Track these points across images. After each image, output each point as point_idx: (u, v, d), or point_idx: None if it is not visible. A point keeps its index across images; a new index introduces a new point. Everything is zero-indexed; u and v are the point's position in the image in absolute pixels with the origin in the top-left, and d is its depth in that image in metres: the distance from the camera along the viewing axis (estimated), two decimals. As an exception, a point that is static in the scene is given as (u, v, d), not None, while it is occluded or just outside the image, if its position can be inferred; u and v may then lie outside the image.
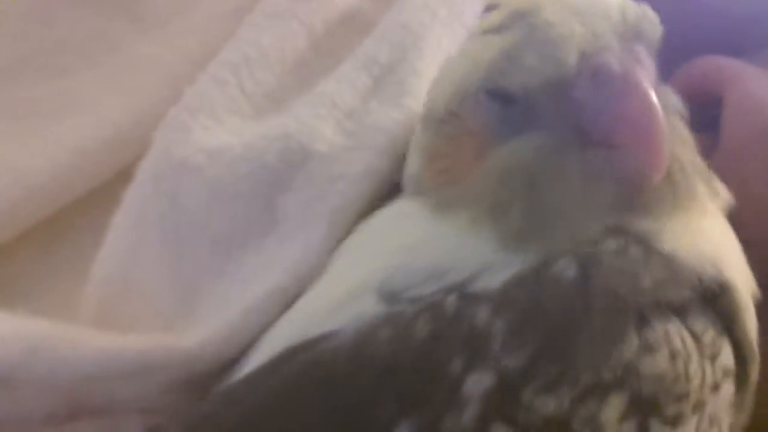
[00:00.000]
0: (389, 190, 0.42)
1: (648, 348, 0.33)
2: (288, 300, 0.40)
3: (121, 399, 0.40)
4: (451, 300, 0.33)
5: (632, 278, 0.33)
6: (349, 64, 0.44)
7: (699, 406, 0.33)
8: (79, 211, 0.49)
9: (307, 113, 0.43)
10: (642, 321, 0.33)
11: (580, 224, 0.34)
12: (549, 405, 0.31)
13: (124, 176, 0.47)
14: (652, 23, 0.36)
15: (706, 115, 0.43)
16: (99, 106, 0.49)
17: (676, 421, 0.33)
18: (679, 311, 0.34)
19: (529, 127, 0.35)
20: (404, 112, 0.43)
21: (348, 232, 0.41)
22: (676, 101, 0.38)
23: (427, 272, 0.35)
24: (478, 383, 0.32)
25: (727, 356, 0.35)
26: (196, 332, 0.39)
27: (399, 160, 0.42)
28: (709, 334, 0.34)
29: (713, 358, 0.34)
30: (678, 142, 0.36)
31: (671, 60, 0.42)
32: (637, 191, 0.34)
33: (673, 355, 0.33)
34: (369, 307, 0.35)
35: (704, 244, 0.36)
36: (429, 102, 0.40)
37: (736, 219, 0.38)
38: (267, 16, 0.46)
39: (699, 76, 0.48)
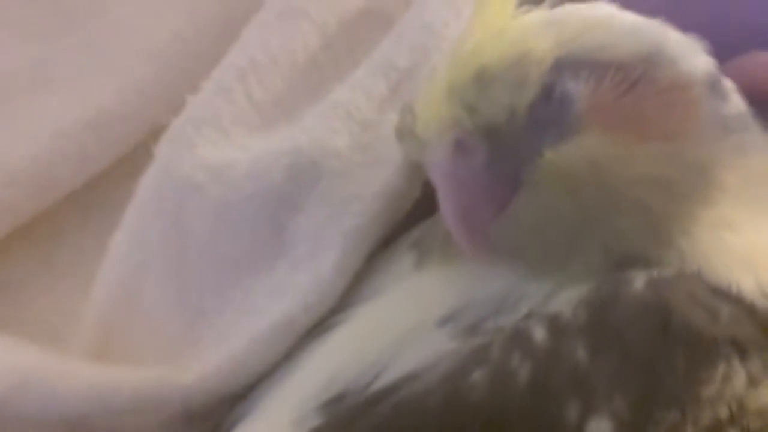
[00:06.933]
0: (409, 210, 0.39)
1: (753, 382, 0.31)
2: (297, 331, 0.37)
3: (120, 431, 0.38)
4: (541, 333, 0.31)
5: (710, 312, 0.31)
6: (364, 70, 0.41)
7: None
8: (80, 214, 0.47)
9: (319, 126, 0.39)
10: (743, 353, 0.31)
11: None
12: None
13: (124, 178, 0.44)
14: (498, 95, 0.33)
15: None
16: (79, 82, 0.46)
17: None
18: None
19: None
20: None
21: (364, 256, 0.38)
22: None
23: (495, 302, 0.33)
24: (598, 430, 0.29)
25: None
26: (196, 365, 0.37)
27: (418, 178, 0.39)
28: None
29: None
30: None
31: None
32: None
33: None
34: (439, 343, 0.33)
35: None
36: None
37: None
38: (276, 15, 0.42)
39: (751, 73, 0.43)
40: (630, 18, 0.35)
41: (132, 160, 0.45)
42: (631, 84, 0.33)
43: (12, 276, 0.46)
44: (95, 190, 0.46)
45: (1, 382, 0.36)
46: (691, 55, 0.35)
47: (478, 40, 0.34)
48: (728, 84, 0.35)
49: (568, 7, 0.35)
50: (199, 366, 0.37)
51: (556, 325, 0.31)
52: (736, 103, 0.35)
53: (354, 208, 0.38)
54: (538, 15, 0.35)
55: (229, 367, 0.37)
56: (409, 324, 0.34)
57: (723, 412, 0.30)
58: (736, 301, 0.32)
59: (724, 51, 0.36)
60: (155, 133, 0.43)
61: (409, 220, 0.40)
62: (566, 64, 0.33)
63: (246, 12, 0.45)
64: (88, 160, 0.45)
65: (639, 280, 0.31)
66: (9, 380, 0.36)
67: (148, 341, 0.40)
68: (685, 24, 0.36)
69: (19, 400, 0.36)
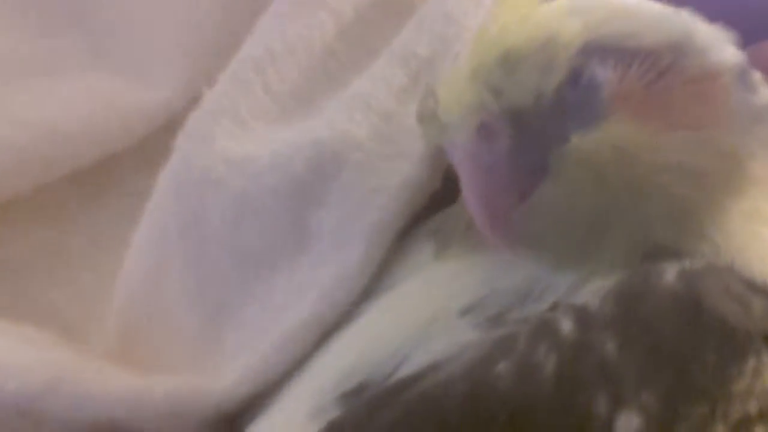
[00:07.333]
0: (428, 201, 0.39)
1: None
2: (324, 327, 0.37)
3: None
4: (568, 325, 0.30)
5: (744, 305, 0.31)
6: (384, 60, 0.40)
7: None
8: (93, 201, 0.47)
9: (340, 117, 0.39)
10: None
11: None
12: None
13: (138, 166, 0.44)
14: (525, 82, 0.32)
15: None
16: (91, 73, 0.47)
17: None
18: None
19: None
20: None
21: (386, 249, 0.38)
22: None
23: (520, 292, 0.33)
24: (627, 424, 0.29)
25: None
26: (227, 370, 0.37)
27: (439, 169, 0.39)
28: None
29: None
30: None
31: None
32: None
33: None
34: (461, 333, 0.32)
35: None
36: None
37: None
38: (292, 3, 0.42)
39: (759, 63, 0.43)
40: (658, 7, 0.35)
41: (144, 150, 0.45)
42: (659, 72, 0.33)
43: (22, 263, 0.46)
44: (108, 178, 0.46)
45: (37, 377, 0.36)
46: (720, 45, 0.34)
47: (504, 23, 0.33)
48: (757, 75, 0.35)
49: None
50: (231, 368, 0.37)
51: (583, 317, 0.30)
52: (765, 94, 0.35)
53: (378, 201, 0.38)
54: (564, 2, 0.34)
55: (262, 368, 0.36)
56: (430, 314, 0.34)
57: (752, 408, 0.30)
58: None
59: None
60: (169, 123, 0.43)
61: (423, 210, 0.39)
62: (595, 49, 0.32)
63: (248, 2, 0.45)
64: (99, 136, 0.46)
65: (670, 272, 0.31)
66: (44, 377, 0.36)
67: (171, 336, 0.40)
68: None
69: (52, 397, 0.35)
